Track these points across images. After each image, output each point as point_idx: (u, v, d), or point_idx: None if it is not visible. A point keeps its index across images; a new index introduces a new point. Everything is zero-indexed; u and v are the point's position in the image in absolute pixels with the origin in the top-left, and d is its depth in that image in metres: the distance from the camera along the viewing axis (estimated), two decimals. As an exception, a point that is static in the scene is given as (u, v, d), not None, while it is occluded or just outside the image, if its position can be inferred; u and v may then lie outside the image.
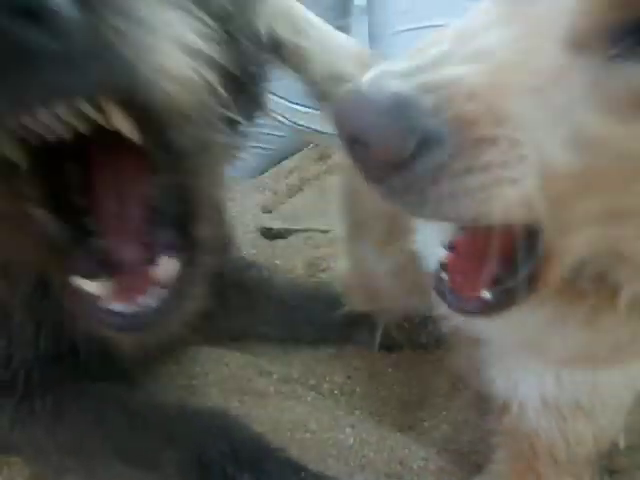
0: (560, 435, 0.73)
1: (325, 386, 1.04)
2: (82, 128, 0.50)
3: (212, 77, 0.53)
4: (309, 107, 1.49)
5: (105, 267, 0.59)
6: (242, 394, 0.96)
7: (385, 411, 1.01)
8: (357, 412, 0.98)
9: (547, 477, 0.75)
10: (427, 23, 1.56)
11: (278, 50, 0.81)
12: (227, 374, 1.00)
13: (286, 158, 1.85)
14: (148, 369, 0.96)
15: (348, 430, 0.89)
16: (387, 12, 1.78)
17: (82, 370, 0.81)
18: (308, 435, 0.88)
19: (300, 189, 1.67)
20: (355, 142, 0.42)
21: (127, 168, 0.61)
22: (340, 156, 0.99)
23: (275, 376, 1.02)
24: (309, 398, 0.98)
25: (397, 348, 1.08)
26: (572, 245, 0.49)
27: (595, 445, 0.74)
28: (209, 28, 0.53)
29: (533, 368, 0.73)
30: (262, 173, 1.82)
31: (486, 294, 0.54)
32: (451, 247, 0.59)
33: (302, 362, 1.08)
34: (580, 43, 0.42)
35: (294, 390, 0.99)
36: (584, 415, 0.72)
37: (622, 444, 0.81)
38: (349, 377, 1.06)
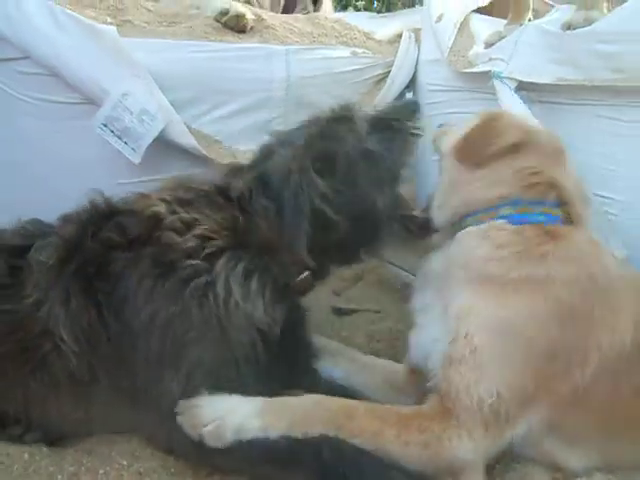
0: (448, 385, 1.22)
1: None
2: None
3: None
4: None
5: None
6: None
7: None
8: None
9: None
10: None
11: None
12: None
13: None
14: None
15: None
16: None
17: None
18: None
19: (360, 278, 2.21)
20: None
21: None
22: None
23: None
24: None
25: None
26: None
27: (473, 393, 1.19)
28: None
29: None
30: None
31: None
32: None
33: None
34: None
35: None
36: (458, 366, 1.22)
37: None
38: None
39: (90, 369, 1.31)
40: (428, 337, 1.36)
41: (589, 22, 1.63)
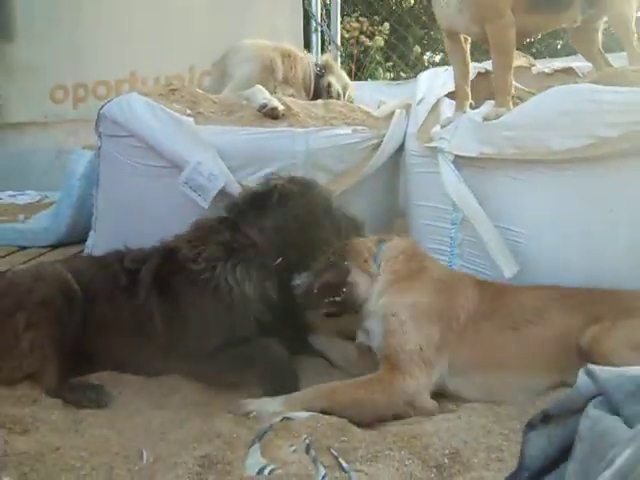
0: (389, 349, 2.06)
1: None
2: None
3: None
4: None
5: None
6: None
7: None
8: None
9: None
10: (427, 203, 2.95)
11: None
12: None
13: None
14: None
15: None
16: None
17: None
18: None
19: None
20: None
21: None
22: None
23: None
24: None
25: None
26: None
27: (406, 349, 2.02)
28: None
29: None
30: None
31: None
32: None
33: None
34: None
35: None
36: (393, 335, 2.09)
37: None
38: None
39: (168, 333, 2.25)
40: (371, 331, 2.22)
41: (499, 116, 2.48)
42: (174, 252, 2.37)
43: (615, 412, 0.84)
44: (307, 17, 5.12)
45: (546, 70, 3.63)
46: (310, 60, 3.81)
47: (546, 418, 0.98)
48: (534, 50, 6.27)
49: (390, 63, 6.24)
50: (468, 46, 2.76)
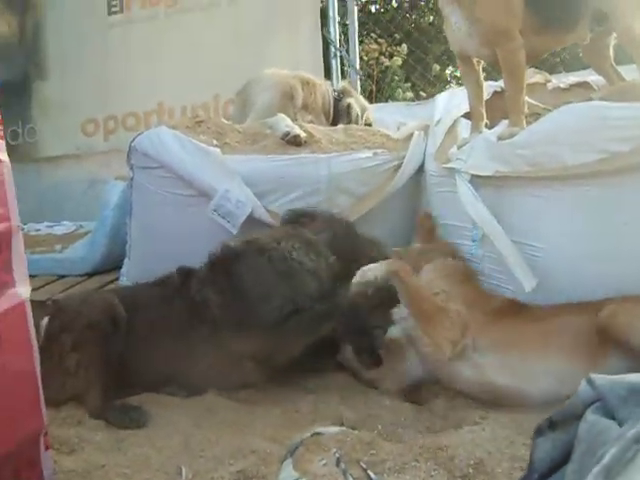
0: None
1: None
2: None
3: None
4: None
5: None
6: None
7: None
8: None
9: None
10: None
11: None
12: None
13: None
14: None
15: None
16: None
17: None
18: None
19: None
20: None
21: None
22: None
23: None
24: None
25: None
26: None
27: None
28: None
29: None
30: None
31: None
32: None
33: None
34: None
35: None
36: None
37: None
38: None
39: (225, 311, 2.38)
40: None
41: (513, 135, 2.56)
42: (231, 247, 2.53)
43: (611, 416, 0.92)
44: (326, 44, 5.26)
45: (561, 85, 3.70)
46: (328, 86, 3.94)
47: (552, 424, 1.07)
48: (557, 60, 6.31)
49: (408, 84, 6.34)
50: (481, 68, 2.85)
